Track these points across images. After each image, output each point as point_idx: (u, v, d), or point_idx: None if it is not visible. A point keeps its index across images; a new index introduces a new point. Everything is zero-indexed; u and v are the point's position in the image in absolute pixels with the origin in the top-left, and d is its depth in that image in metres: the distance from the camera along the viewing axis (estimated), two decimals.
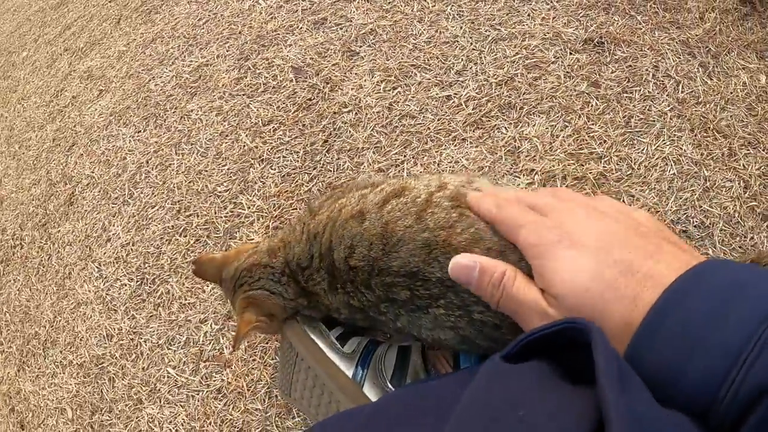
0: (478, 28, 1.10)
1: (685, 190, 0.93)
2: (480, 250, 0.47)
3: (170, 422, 0.90)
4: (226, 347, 0.90)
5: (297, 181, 0.97)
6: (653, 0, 1.13)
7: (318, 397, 0.67)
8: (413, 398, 0.45)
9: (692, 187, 0.93)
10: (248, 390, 0.85)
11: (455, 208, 0.51)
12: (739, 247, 0.96)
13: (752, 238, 0.93)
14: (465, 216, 0.50)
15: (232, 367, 0.89)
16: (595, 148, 0.95)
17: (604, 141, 0.96)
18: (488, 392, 0.32)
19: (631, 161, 0.94)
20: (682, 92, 0.99)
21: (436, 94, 1.00)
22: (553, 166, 0.92)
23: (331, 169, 0.96)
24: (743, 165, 0.95)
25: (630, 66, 1.05)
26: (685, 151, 0.95)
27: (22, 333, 1.16)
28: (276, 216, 0.95)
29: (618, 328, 0.33)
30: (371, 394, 0.63)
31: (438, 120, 0.97)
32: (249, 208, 0.99)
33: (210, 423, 0.87)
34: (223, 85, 1.19)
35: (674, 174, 0.94)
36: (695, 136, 0.96)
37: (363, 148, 0.96)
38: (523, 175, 0.91)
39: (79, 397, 1.02)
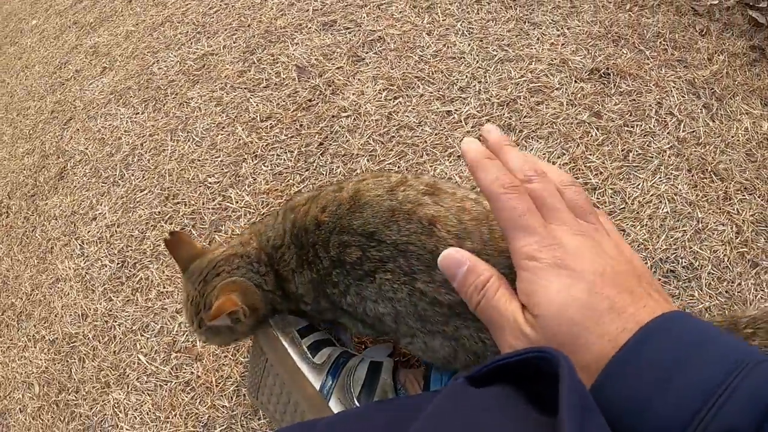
0: (486, 47, 1.10)
1: (676, 230, 0.93)
2: (442, 226, 0.50)
3: (136, 409, 0.90)
4: (197, 341, 0.90)
5: (288, 181, 0.97)
6: (663, 37, 1.14)
7: (284, 405, 0.66)
8: (373, 414, 0.45)
9: (684, 227, 0.93)
10: (217, 386, 0.84)
11: (429, 195, 0.53)
12: (726, 292, 0.96)
13: (740, 284, 0.93)
14: (437, 201, 0.52)
15: (203, 360, 0.88)
16: (590, 179, 0.95)
17: (600, 172, 0.96)
18: (449, 413, 0.31)
19: (626, 195, 0.94)
20: (683, 131, 0.99)
21: (437, 108, 1.00)
22: None
23: (324, 173, 0.96)
24: (737, 210, 0.95)
25: (634, 100, 1.05)
26: (680, 190, 0.95)
27: None
28: (263, 213, 0.95)
29: (593, 362, 0.33)
30: (336, 408, 0.63)
31: (436, 134, 0.96)
32: (237, 202, 0.98)
33: (176, 415, 0.86)
34: (225, 76, 1.18)
35: (667, 212, 0.94)
36: (692, 176, 0.96)
37: (358, 154, 0.96)
38: None
39: (48, 373, 1.01)
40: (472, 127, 0.97)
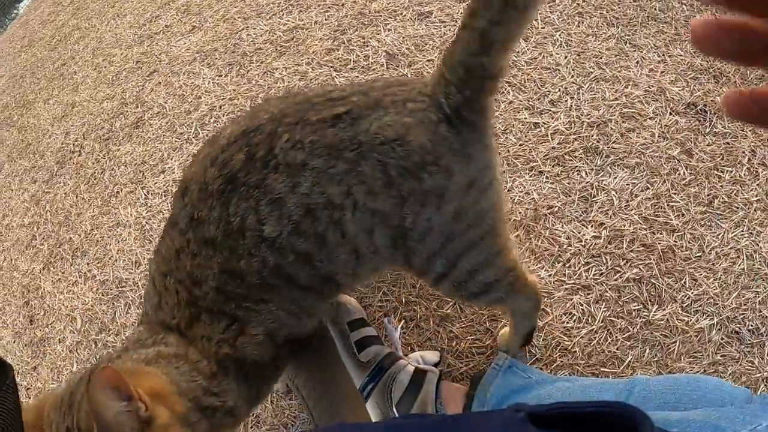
0: (583, 63, 1.05)
1: (750, 289, 0.87)
2: None
3: None
4: None
5: None
6: (767, 81, 1.06)
7: (320, 395, 0.64)
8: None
9: (758, 288, 0.87)
10: None
11: None
12: None
13: None
14: None
15: None
16: (671, 219, 0.90)
17: (683, 215, 0.91)
18: None
19: (704, 243, 0.88)
20: None
21: (525, 118, 0.96)
22: (624, 225, 0.87)
23: None
24: None
25: (728, 143, 0.98)
26: (762, 248, 0.88)
27: (57, 235, 1.18)
28: None
29: None
30: (372, 411, 0.61)
31: (520, 145, 0.93)
32: None
33: None
34: (313, 51, 1.18)
35: (743, 269, 0.88)
36: None
37: None
38: (591, 226, 0.86)
39: (92, 312, 1.03)
40: (558, 144, 0.93)
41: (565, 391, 0.61)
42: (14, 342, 1.09)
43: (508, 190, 0.88)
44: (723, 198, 0.92)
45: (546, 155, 0.92)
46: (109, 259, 1.08)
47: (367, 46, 1.14)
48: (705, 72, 1.07)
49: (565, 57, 1.06)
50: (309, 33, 1.22)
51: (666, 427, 0.52)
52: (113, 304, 1.02)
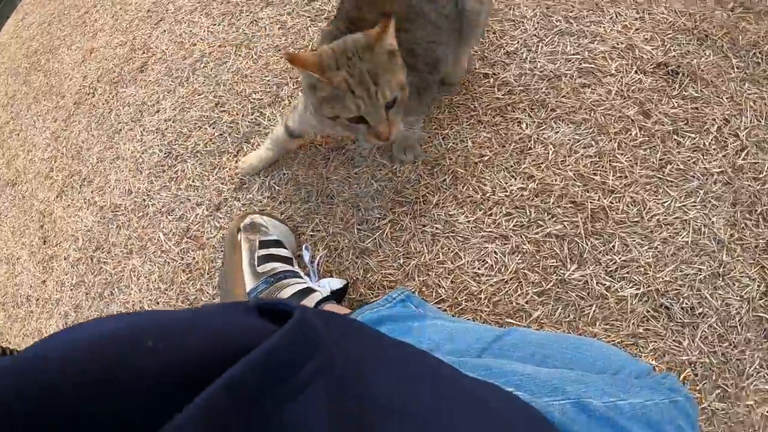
0: (551, 16, 1.05)
1: (691, 265, 0.85)
2: None
3: (146, 277, 1.03)
4: (207, 232, 1.00)
5: None
6: (760, 48, 1.01)
7: (224, 296, 0.74)
8: None
9: (701, 265, 0.85)
10: (208, 274, 0.95)
11: None
12: (723, 354, 0.84)
13: (743, 351, 0.84)
14: None
15: (205, 250, 0.99)
16: (610, 180, 0.89)
17: (625, 176, 0.90)
18: None
19: (645, 209, 0.87)
20: (743, 159, 0.89)
21: (475, 68, 0.99)
22: (555, 180, 0.89)
23: None
24: None
25: (696, 108, 0.95)
26: (713, 223, 0.86)
27: (70, 168, 1.34)
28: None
29: None
30: None
31: (464, 95, 0.96)
32: (269, 120, 1.05)
33: (173, 290, 0.98)
34: (295, 2, 1.24)
35: (687, 242, 0.86)
36: (734, 212, 0.86)
37: None
38: (520, 178, 0.89)
39: (91, 233, 1.18)
40: (503, 95, 0.96)
41: (438, 328, 0.64)
42: (29, 260, 1.27)
43: (443, 138, 0.92)
44: (678, 165, 0.90)
45: (488, 105, 0.95)
46: (108, 187, 1.22)
47: None
48: (688, 33, 1.04)
49: (533, 10, 1.06)
50: None
51: (504, 376, 0.54)
52: (108, 226, 1.16)
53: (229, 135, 1.09)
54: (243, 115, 1.10)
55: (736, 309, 0.84)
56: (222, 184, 1.04)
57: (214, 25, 1.33)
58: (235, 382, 0.26)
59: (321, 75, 0.66)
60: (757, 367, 0.83)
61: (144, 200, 1.13)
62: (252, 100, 1.11)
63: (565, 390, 0.52)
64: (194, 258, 0.99)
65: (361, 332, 0.44)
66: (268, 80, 1.12)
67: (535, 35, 1.02)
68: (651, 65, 1.00)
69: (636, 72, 0.99)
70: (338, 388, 0.32)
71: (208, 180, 1.06)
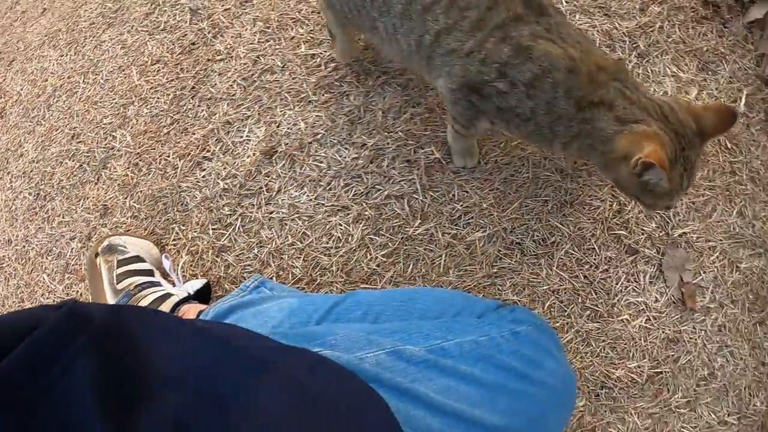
0: None
1: (536, 199, 0.91)
2: None
3: None
4: (83, 263, 1.03)
5: (161, 123, 1.04)
6: None
7: None
8: None
9: (546, 197, 0.90)
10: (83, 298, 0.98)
11: None
12: (585, 276, 0.90)
13: (606, 270, 0.89)
14: None
15: (86, 281, 1.01)
16: (442, 132, 0.95)
17: None
18: None
19: (483, 155, 0.93)
20: None
21: (303, 51, 1.03)
22: (387, 143, 0.94)
23: (190, 116, 1.02)
24: None
25: None
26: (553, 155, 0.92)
27: None
28: (138, 153, 1.04)
29: None
30: None
31: (293, 79, 1.00)
32: (121, 142, 1.07)
33: None
34: (134, 18, 1.24)
35: (529, 177, 0.91)
36: None
37: (220, 98, 1.01)
38: (354, 147, 0.94)
39: None
40: (330, 71, 1.00)
41: (282, 305, 0.67)
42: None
43: (278, 125, 0.96)
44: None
45: (317, 84, 0.99)
46: None
47: (177, 5, 1.18)
48: None
49: None
50: (132, 0, 1.27)
51: (321, 338, 0.58)
52: None
53: (88, 165, 1.10)
54: (97, 143, 1.11)
55: (591, 231, 0.90)
56: (88, 213, 1.06)
57: (62, 56, 1.32)
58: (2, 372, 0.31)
59: (667, 172, 0.58)
60: (624, 282, 0.90)
61: (24, 246, 1.14)
62: (103, 125, 1.12)
63: (379, 342, 0.56)
64: (78, 291, 1.01)
65: (155, 317, 0.50)
66: (116, 102, 1.13)
67: None
68: None
69: None
70: (110, 362, 0.36)
71: (76, 213, 1.07)
